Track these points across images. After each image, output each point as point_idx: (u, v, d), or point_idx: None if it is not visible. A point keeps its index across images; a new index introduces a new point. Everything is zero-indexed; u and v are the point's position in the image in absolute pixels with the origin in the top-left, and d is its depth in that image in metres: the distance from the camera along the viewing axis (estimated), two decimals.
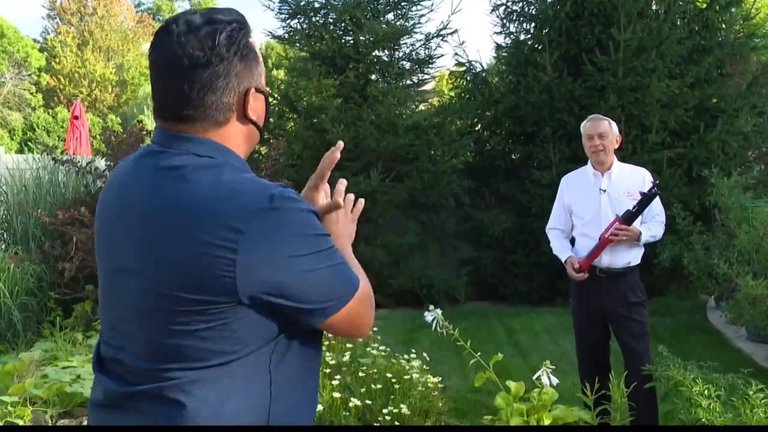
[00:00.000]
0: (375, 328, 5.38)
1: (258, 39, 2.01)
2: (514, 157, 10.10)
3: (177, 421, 1.39)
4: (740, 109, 9.17)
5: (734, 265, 5.78)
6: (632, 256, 4.25)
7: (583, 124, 4.34)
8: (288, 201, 1.38)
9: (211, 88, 1.44)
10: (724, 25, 9.76)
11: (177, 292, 1.36)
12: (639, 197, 4.19)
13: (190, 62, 1.43)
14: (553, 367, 3.42)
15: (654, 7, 9.48)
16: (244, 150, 1.54)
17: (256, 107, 1.53)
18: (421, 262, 9.51)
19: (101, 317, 1.55)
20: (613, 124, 4.31)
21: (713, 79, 9.55)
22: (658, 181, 4.37)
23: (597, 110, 8.45)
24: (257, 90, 1.52)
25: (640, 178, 4.31)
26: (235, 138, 1.50)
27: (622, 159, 4.58)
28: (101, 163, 7.03)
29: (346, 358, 4.43)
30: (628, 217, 4.13)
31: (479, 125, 10.32)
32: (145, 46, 43.29)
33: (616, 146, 4.31)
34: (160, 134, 1.51)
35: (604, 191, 4.25)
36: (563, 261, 4.32)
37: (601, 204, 4.26)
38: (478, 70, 10.29)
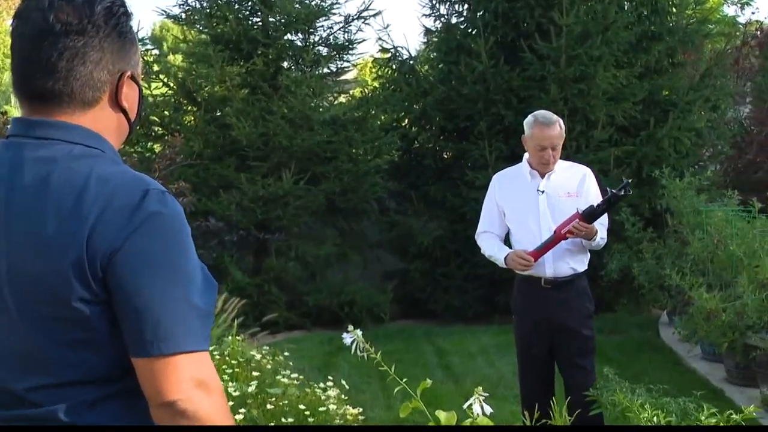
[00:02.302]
0: (287, 353, 5.33)
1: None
2: (445, 155, 10.17)
3: None
4: (693, 102, 9.41)
5: (687, 276, 5.93)
6: (576, 263, 4.32)
7: (528, 122, 4.32)
8: (163, 203, 1.42)
9: (82, 60, 1.46)
10: (675, 10, 10.01)
11: (56, 295, 1.39)
12: (578, 198, 4.27)
13: (62, 28, 1.44)
14: (487, 394, 3.43)
15: None
16: (114, 143, 1.55)
17: (129, 96, 1.54)
18: (340, 275, 9.50)
19: None
20: (562, 124, 4.33)
21: (664, 68, 9.78)
22: (630, 180, 4.44)
23: (537, 103, 8.56)
24: (132, 78, 1.54)
25: (581, 177, 4.37)
26: (106, 125, 1.51)
27: (566, 157, 4.68)
28: None
29: (252, 388, 4.37)
30: (590, 214, 4.19)
31: (406, 120, 10.39)
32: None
33: (561, 148, 4.34)
34: (21, 125, 1.50)
35: (542, 192, 4.29)
36: (503, 259, 4.32)
37: (539, 206, 4.29)
38: (404, 57, 10.33)
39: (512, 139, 8.97)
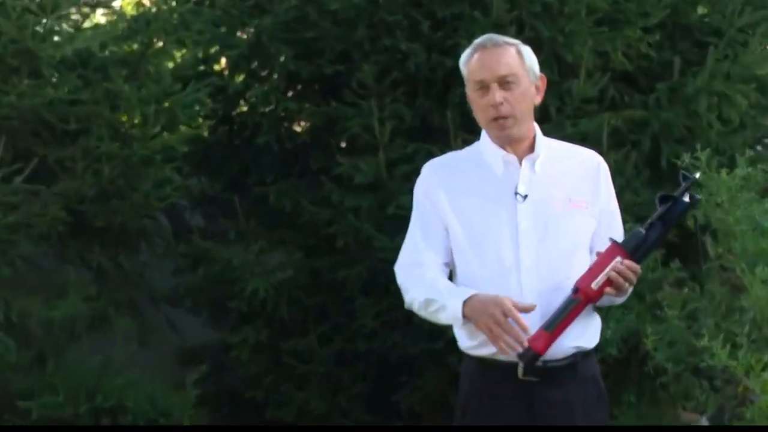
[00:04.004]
0: None
1: None
2: (298, 127, 10.23)
3: None
4: (749, 28, 9.58)
5: (742, 350, 5.99)
6: (580, 334, 4.46)
7: (465, 56, 4.58)
8: None
9: None
10: None
11: None
12: (588, 208, 4.48)
13: None
14: None
15: None
16: None
17: None
18: (95, 357, 9.20)
19: None
20: (528, 52, 4.51)
21: None
22: (697, 175, 4.65)
23: (467, 30, 8.70)
24: None
25: (593, 170, 4.57)
26: None
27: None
28: None
29: None
30: (639, 246, 4.34)
31: (223, 59, 10.34)
32: None
33: (538, 101, 4.52)
34: None
35: (525, 197, 4.42)
36: (459, 306, 4.30)
37: (519, 224, 4.42)
38: None
39: (423, 97, 9.19)
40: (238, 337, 9.50)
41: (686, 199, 4.36)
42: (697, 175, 4.48)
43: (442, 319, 4.46)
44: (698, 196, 4.48)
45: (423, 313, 4.57)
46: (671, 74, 9.36)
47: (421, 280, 4.53)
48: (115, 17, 10.40)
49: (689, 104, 9.24)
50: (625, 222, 7.68)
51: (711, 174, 7.26)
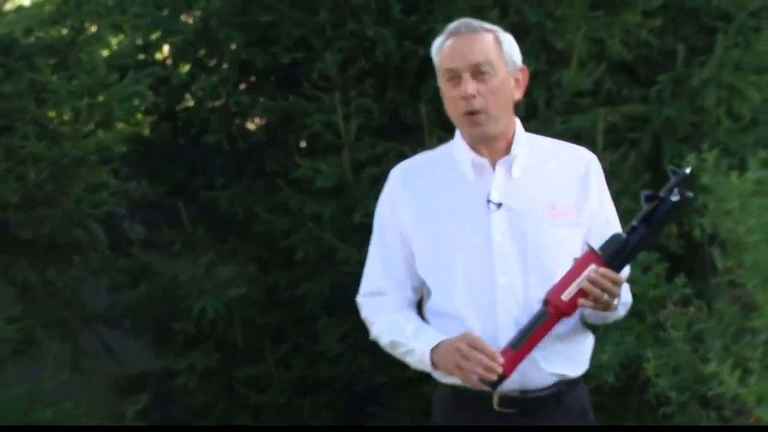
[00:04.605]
0: None
1: None
2: (251, 125, 10.27)
3: None
4: (762, 12, 9.60)
5: (754, 378, 6.03)
6: (566, 360, 4.47)
7: (437, 43, 4.56)
8: None
9: None
10: None
11: None
12: (577, 216, 4.44)
13: None
14: None
15: None
16: None
17: None
18: (23, 385, 9.15)
19: None
20: (508, 40, 4.51)
21: None
22: (689, 169, 4.49)
23: (442, 12, 8.74)
24: None
25: (581, 172, 4.52)
26: None
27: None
28: None
29: None
30: (618, 252, 4.28)
31: (166, 46, 10.33)
32: None
33: (518, 96, 4.52)
34: None
35: (499, 206, 4.41)
36: (427, 352, 4.33)
37: (492, 237, 4.41)
38: None
39: (394, 90, 9.22)
40: (185, 362, 9.48)
41: (674, 198, 4.29)
42: (688, 170, 4.28)
43: (411, 363, 4.46)
44: (689, 194, 4.26)
45: (390, 352, 4.59)
46: (675, 64, 9.38)
47: (384, 314, 4.57)
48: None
49: (695, 98, 9.26)
50: None
51: (719, 177, 7.29)
